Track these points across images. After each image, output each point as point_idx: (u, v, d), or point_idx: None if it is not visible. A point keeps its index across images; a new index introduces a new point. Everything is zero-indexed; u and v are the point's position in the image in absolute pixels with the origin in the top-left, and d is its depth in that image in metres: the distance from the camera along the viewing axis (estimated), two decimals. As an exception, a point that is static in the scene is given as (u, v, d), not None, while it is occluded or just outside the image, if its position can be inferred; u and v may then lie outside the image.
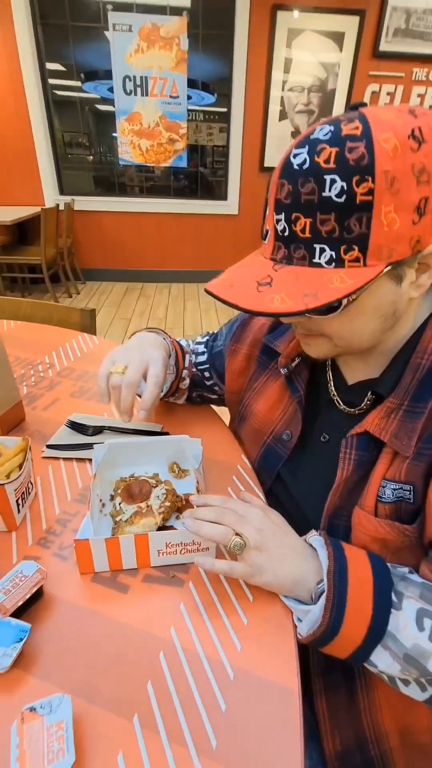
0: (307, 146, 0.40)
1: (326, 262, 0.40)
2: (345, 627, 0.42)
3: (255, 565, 0.45)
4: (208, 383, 0.80)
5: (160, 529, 0.54)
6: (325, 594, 0.42)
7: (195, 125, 4.05)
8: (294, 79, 3.81)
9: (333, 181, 0.38)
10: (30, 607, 0.45)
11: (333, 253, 0.40)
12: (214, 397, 0.83)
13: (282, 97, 3.87)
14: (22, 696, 0.38)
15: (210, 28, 3.67)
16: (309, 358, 0.59)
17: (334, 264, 0.40)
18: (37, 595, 0.45)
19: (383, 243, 0.38)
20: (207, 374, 0.79)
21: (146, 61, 3.63)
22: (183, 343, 0.83)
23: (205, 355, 0.80)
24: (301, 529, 0.51)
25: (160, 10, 3.51)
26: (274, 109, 3.91)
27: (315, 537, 0.49)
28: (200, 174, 4.30)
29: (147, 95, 3.74)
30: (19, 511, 0.55)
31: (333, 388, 0.58)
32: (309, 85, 3.84)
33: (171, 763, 0.35)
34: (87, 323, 1.19)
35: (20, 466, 0.55)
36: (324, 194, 0.38)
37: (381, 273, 0.39)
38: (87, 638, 0.43)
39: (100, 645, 0.43)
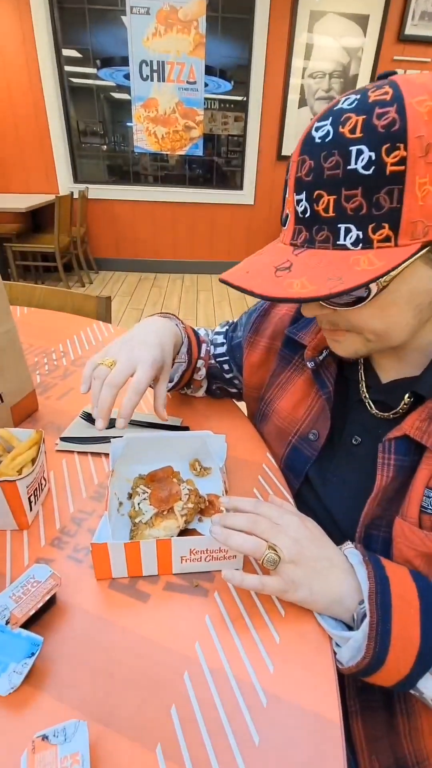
0: (330, 117, 0.36)
1: (352, 243, 0.36)
2: (391, 657, 0.37)
3: (289, 580, 0.41)
4: (227, 376, 0.75)
5: (181, 532, 0.50)
6: (368, 620, 0.38)
7: (210, 114, 3.96)
8: (315, 65, 3.69)
9: (360, 153, 0.34)
10: (41, 616, 0.41)
11: (360, 233, 0.36)
12: (234, 391, 0.78)
13: (302, 85, 3.76)
14: (33, 718, 0.34)
15: (229, 11, 3.56)
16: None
17: (361, 245, 0.36)
18: (50, 603, 0.42)
19: (418, 218, 0.34)
20: (226, 366, 0.74)
21: (163, 45, 3.55)
22: (201, 332, 0.78)
23: (224, 346, 0.75)
24: (333, 537, 0.47)
25: (179, -8, 3.42)
26: (294, 97, 3.80)
27: (351, 550, 0.44)
28: (215, 163, 4.22)
29: (164, 81, 3.66)
30: (31, 509, 0.51)
31: (365, 389, 0.53)
32: (330, 71, 3.72)
33: (199, 804, 0.31)
34: (102, 311, 1.14)
35: (33, 461, 0.51)
36: (349, 167, 0.35)
37: (416, 254, 0.35)
38: (104, 653, 0.39)
39: (118, 661, 0.39)
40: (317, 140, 0.36)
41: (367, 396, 0.52)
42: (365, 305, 0.39)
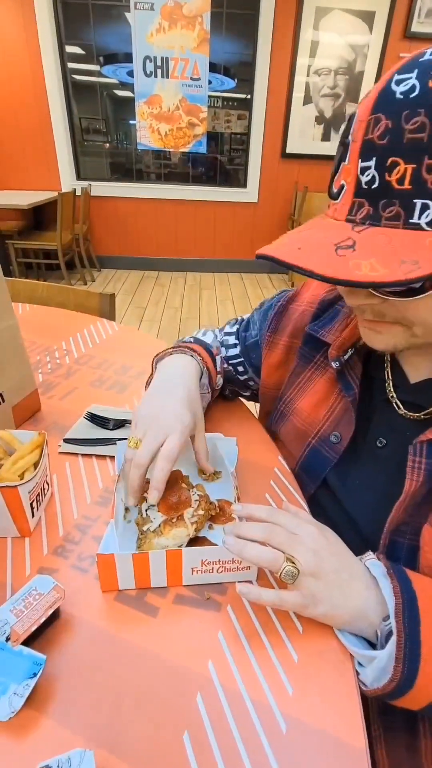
0: (416, 69, 0.31)
1: (428, 223, 0.31)
2: (420, 679, 0.34)
3: (309, 594, 0.38)
4: (241, 378, 0.72)
5: (191, 541, 0.47)
6: (394, 639, 0.35)
7: (213, 112, 3.93)
8: (320, 62, 3.65)
9: None
10: (44, 632, 0.39)
11: None
12: (247, 393, 0.75)
13: (307, 82, 3.72)
14: (35, 746, 0.32)
15: (234, 8, 3.53)
16: (367, 349, 0.51)
17: None
18: (53, 617, 0.39)
19: None
20: (240, 368, 0.71)
21: (167, 41, 3.51)
22: (209, 338, 0.72)
23: (237, 347, 0.71)
24: (354, 544, 0.44)
25: (184, -13, 3.39)
26: (298, 95, 3.77)
27: (373, 561, 0.41)
28: (219, 161, 4.19)
29: (167, 77, 3.63)
30: (33, 515, 0.48)
31: (392, 388, 0.50)
32: (336, 68, 3.69)
33: None
34: (106, 308, 1.12)
35: (35, 465, 0.49)
36: None
37: None
38: (111, 672, 0.37)
39: (127, 681, 0.36)
40: (398, 95, 0.31)
41: (395, 396, 0.50)
42: (427, 296, 0.34)
